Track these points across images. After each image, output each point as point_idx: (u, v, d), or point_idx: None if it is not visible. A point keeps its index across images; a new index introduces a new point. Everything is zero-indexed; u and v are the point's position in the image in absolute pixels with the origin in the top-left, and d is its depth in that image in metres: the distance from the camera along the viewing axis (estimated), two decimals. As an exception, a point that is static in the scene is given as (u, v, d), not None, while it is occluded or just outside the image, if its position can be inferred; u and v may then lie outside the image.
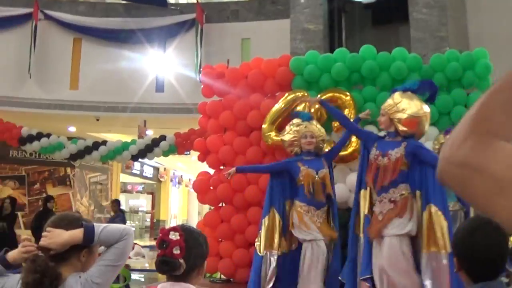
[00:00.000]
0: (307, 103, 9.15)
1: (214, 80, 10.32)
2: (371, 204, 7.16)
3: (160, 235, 2.92)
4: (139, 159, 15.61)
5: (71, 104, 15.81)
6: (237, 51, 15.31)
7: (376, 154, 6.99)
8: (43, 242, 2.95)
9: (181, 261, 2.80)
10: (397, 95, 7.06)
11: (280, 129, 9.58)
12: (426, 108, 7.03)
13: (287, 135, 8.03)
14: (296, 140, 7.88)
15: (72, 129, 18.68)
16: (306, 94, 9.46)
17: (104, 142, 14.26)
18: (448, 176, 1.27)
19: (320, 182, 7.64)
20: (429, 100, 7.40)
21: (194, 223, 27.04)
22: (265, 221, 7.87)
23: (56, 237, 2.95)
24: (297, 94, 9.56)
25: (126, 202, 36.00)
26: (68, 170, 21.56)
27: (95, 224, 3.08)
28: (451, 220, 6.85)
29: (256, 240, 7.95)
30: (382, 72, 9.50)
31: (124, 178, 29.63)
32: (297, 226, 7.58)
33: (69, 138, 14.58)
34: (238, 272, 9.76)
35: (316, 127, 7.99)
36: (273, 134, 9.47)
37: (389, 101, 7.10)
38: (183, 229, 2.90)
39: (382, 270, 6.72)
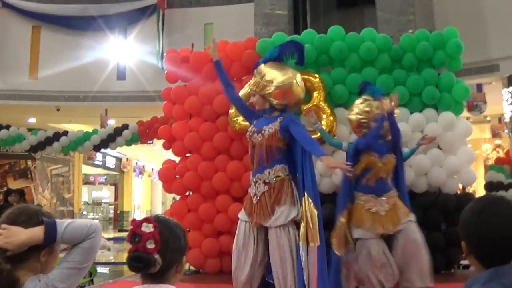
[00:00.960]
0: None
1: (179, 65, 10.03)
2: None
3: (132, 227, 2.55)
4: (101, 150, 15.33)
5: (30, 94, 15.52)
6: (200, 36, 14.99)
7: (251, 131, 6.36)
8: None
9: (156, 256, 2.45)
10: (260, 69, 6.48)
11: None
12: (294, 73, 6.45)
13: (354, 116, 7.07)
14: (366, 121, 6.94)
15: (32, 120, 18.41)
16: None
17: (65, 133, 13.99)
18: None
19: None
20: (299, 63, 6.92)
21: (158, 213, 26.92)
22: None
23: (13, 236, 2.58)
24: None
25: (89, 194, 35.68)
26: (29, 162, 21.29)
27: (57, 220, 2.69)
28: (321, 210, 6.05)
29: (333, 238, 6.80)
30: (351, 53, 9.30)
31: (86, 169, 29.39)
32: None
33: (29, 130, 14.30)
34: (207, 262, 9.54)
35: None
36: (240, 119, 9.19)
37: (255, 78, 6.47)
38: (158, 220, 2.53)
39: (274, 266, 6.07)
